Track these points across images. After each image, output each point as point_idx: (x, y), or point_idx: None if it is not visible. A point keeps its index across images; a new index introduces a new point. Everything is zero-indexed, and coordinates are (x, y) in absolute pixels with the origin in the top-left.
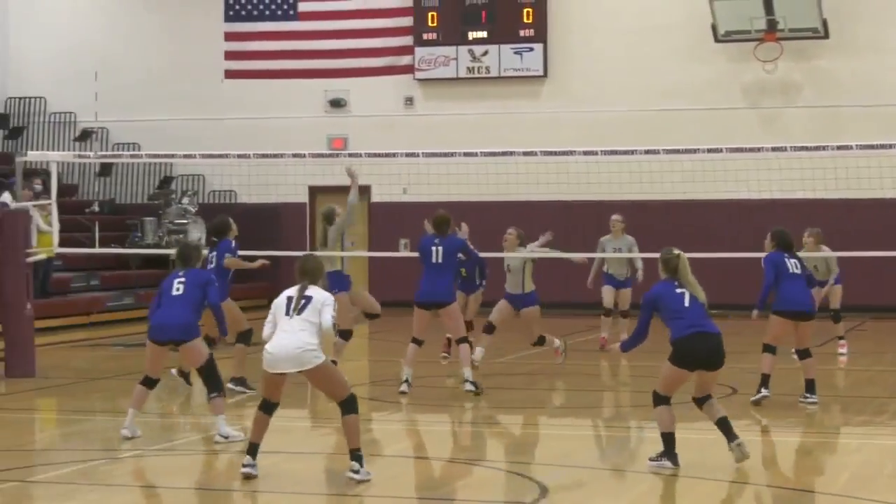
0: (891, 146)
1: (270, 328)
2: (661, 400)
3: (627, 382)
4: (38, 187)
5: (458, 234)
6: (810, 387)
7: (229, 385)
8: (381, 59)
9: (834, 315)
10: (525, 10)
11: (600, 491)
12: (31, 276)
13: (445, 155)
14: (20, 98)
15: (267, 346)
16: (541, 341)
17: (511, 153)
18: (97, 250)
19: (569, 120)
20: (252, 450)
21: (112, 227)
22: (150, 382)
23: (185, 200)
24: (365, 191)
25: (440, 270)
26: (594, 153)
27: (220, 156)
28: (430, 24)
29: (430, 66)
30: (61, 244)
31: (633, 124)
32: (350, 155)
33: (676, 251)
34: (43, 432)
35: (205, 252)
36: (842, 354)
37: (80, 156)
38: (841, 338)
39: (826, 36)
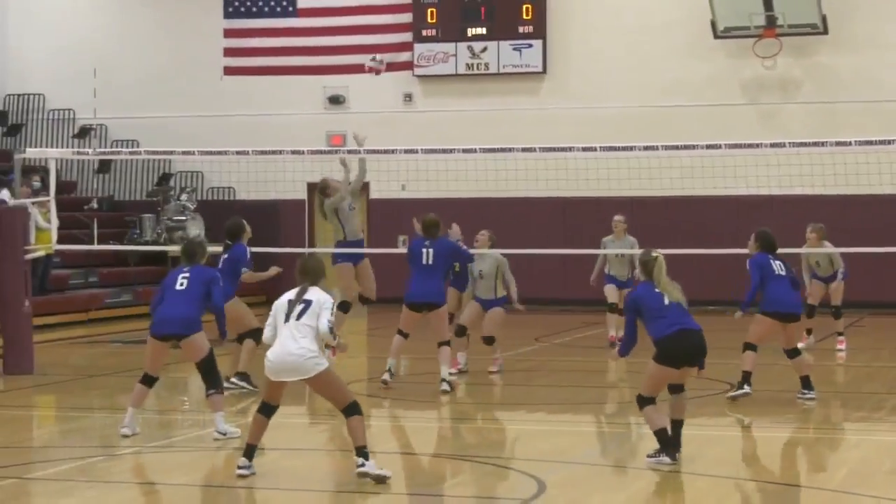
0: (889, 142)
1: (271, 331)
2: (646, 402)
3: (625, 379)
4: (37, 184)
5: (450, 235)
6: (806, 383)
7: (232, 380)
8: (381, 55)
9: (835, 311)
10: (524, 7)
11: (598, 487)
12: (29, 273)
13: (444, 151)
14: (19, 95)
15: (268, 354)
16: (489, 341)
17: (510, 150)
18: (96, 247)
19: (568, 116)
20: (248, 451)
21: (110, 223)
22: (149, 381)
23: (184, 197)
24: (364, 187)
25: (430, 272)
26: (593, 149)
27: (219, 152)
28: (429, 20)
29: (429, 63)
30: (60, 241)
31: (632, 120)
32: (349, 151)
33: (655, 253)
34: (41, 429)
35: (210, 249)
36: (840, 351)
37: (78, 153)
38: (840, 334)
39: (825, 32)
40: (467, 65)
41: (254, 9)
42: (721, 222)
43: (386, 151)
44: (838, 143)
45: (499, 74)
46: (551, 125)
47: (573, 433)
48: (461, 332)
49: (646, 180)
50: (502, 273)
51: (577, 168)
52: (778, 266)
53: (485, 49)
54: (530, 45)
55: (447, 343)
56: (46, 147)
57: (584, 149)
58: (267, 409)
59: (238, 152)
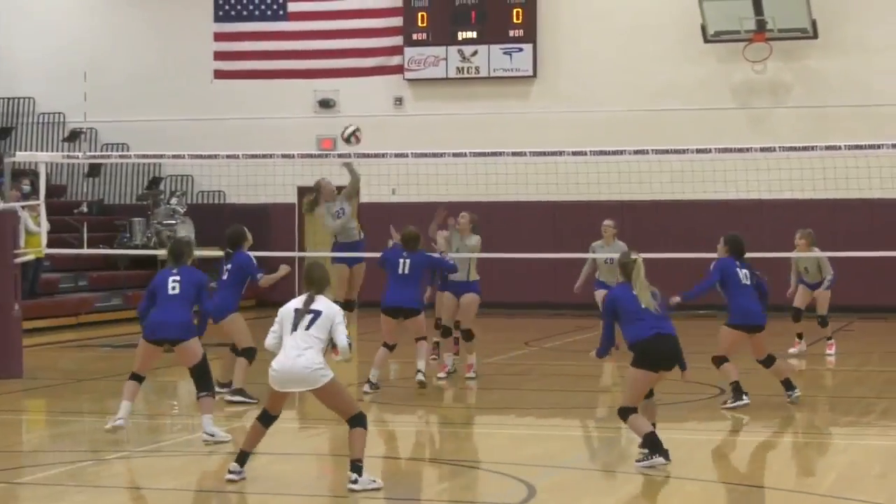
0: (879, 146)
1: (274, 338)
2: (628, 412)
3: (618, 383)
4: (27, 188)
5: (450, 227)
6: (789, 385)
7: (227, 398)
8: (371, 59)
9: (821, 320)
10: (515, 11)
11: (588, 491)
12: (19, 276)
13: (435, 155)
14: (9, 98)
15: (273, 364)
16: (468, 336)
17: (500, 153)
18: (85, 251)
19: (558, 120)
20: (241, 457)
21: (100, 227)
22: (138, 378)
23: (174, 201)
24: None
25: (406, 281)
26: (583, 153)
27: (209, 156)
28: (419, 24)
29: (419, 67)
30: (49, 245)
31: (622, 124)
32: (339, 155)
33: (634, 255)
34: (30, 433)
35: (198, 252)
36: (829, 355)
37: (68, 156)
38: (829, 338)
39: (815, 36)
40: (458, 68)
41: (244, 12)
42: (711, 226)
43: (376, 155)
44: (828, 148)
45: (489, 78)
46: (541, 129)
47: (563, 437)
48: (447, 332)
49: (636, 184)
50: (475, 260)
51: (567, 172)
52: (744, 275)
53: (475, 53)
54: (520, 49)
55: (424, 338)
56: (36, 150)
57: (575, 153)
58: (266, 419)
59: (228, 156)
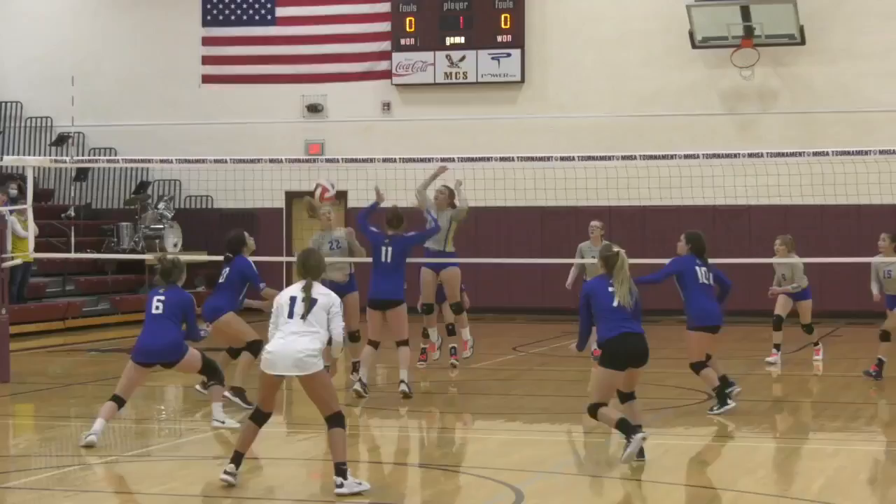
0: (867, 152)
1: (274, 328)
2: (596, 408)
3: None
4: (14, 192)
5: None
6: (721, 389)
7: (226, 393)
8: (359, 64)
9: (806, 328)
10: (503, 16)
11: (577, 496)
12: (7, 280)
13: (422, 160)
14: None
15: (267, 346)
16: (458, 309)
17: (488, 159)
18: (73, 255)
19: (546, 126)
20: (236, 458)
21: (88, 232)
22: (119, 401)
23: (162, 205)
24: (341, 196)
25: (388, 271)
26: (571, 159)
27: (197, 161)
28: (407, 29)
29: (407, 72)
30: (37, 249)
31: (611, 130)
32: (328, 160)
33: (616, 248)
34: (18, 438)
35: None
36: (816, 360)
37: (56, 160)
38: (816, 343)
39: (802, 42)
40: (445, 74)
41: (232, 17)
42: None
43: (364, 160)
44: (816, 154)
45: (477, 84)
46: (529, 134)
47: (551, 442)
48: (429, 310)
49: (623, 190)
50: (456, 225)
51: (555, 177)
52: (703, 273)
53: (463, 58)
54: (509, 55)
55: (406, 343)
56: (24, 155)
57: (562, 158)
58: (259, 417)
59: (216, 160)
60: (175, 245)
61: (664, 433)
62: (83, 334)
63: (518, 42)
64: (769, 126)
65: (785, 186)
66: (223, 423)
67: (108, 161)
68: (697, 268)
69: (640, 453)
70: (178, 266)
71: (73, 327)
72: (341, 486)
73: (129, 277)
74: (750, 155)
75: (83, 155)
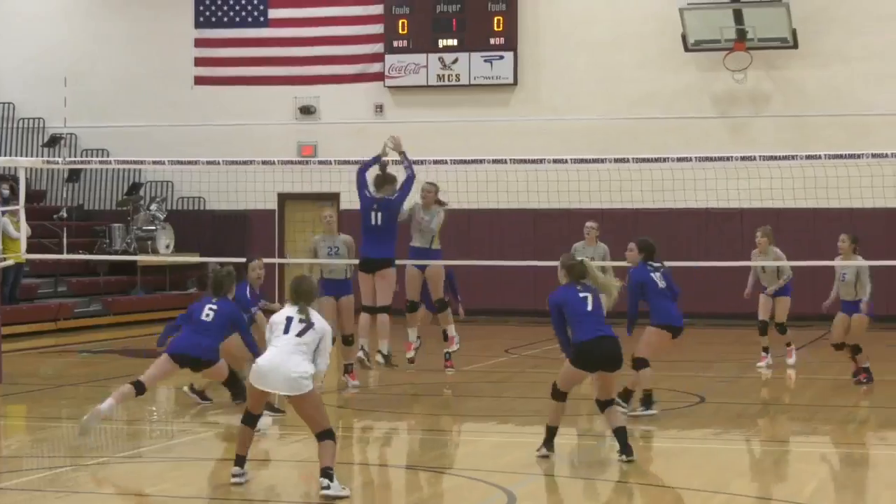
0: (859, 156)
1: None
2: (558, 395)
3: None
4: (6, 191)
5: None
6: (625, 397)
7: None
8: (352, 66)
9: (779, 327)
10: (496, 19)
11: (568, 498)
12: None
13: (415, 162)
14: None
15: (258, 360)
16: (442, 306)
17: (481, 161)
18: (65, 256)
19: (538, 128)
20: (239, 461)
21: (80, 233)
22: (141, 388)
23: (154, 207)
24: (334, 198)
25: (378, 233)
26: (564, 161)
27: (190, 162)
28: (400, 31)
29: (400, 74)
30: (29, 250)
31: (603, 133)
32: (320, 162)
33: (579, 257)
34: (9, 439)
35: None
36: (790, 365)
37: (48, 161)
38: (788, 344)
39: (795, 46)
40: (438, 76)
41: (225, 19)
42: (691, 235)
43: (357, 162)
44: (808, 157)
45: (470, 86)
46: (522, 137)
47: None
48: (413, 308)
49: (616, 192)
50: (441, 228)
51: (547, 180)
52: (659, 277)
53: (456, 60)
54: (501, 57)
55: (387, 310)
56: (16, 156)
57: (555, 161)
58: (250, 419)
59: (209, 162)
60: (167, 247)
61: (657, 435)
62: (75, 335)
63: (511, 44)
64: (762, 129)
65: (777, 189)
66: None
67: (101, 162)
68: (653, 274)
69: (629, 452)
70: (231, 278)
71: (64, 328)
72: (328, 487)
73: (121, 279)
74: (742, 158)
75: (75, 156)
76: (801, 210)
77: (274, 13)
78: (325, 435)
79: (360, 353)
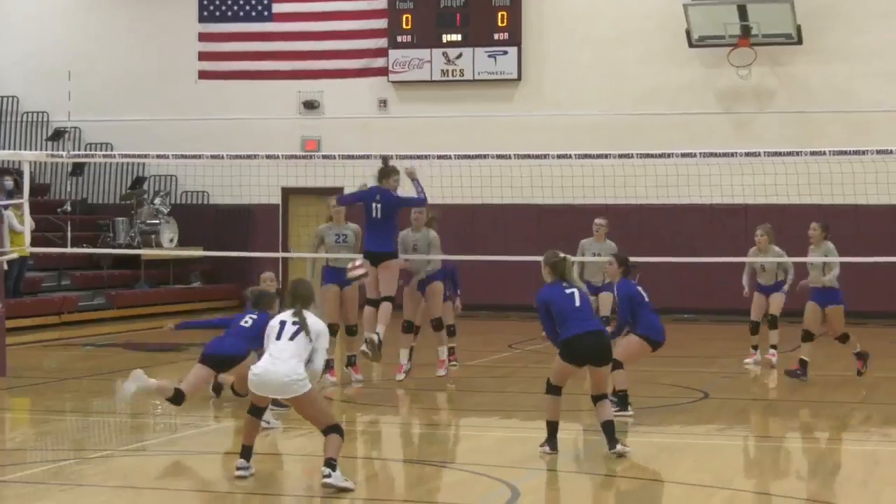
0: (864, 152)
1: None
2: (552, 389)
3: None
4: (10, 184)
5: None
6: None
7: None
8: (356, 61)
9: (770, 321)
10: (500, 14)
11: (572, 493)
12: (2, 275)
13: (419, 157)
14: None
15: (253, 368)
16: (439, 325)
17: (485, 156)
18: (69, 250)
19: (542, 123)
20: (245, 452)
21: (84, 226)
22: (180, 398)
23: (158, 201)
24: (338, 192)
25: (379, 226)
26: (568, 157)
27: (194, 156)
28: (404, 26)
29: (404, 69)
30: (33, 244)
31: (607, 128)
32: (324, 157)
33: (562, 254)
34: (14, 432)
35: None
36: (772, 366)
37: (52, 155)
38: (773, 346)
39: (799, 42)
40: (442, 71)
41: (229, 13)
42: (696, 231)
43: (360, 157)
44: (813, 153)
45: (474, 81)
46: (526, 132)
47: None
48: (409, 328)
49: (620, 188)
50: (433, 250)
51: (551, 175)
52: (642, 290)
53: (460, 55)
54: (505, 52)
55: (390, 299)
56: (20, 149)
57: (559, 156)
58: (256, 411)
59: (212, 156)
60: (171, 241)
61: (660, 431)
62: (79, 329)
63: (515, 40)
64: (766, 125)
65: (782, 185)
66: (268, 423)
67: (105, 156)
68: (636, 286)
69: (614, 445)
70: (272, 299)
71: (68, 322)
72: (329, 476)
73: (124, 272)
74: (747, 154)
75: (79, 150)
76: (805, 206)
77: (278, 7)
78: (331, 430)
79: (364, 347)
